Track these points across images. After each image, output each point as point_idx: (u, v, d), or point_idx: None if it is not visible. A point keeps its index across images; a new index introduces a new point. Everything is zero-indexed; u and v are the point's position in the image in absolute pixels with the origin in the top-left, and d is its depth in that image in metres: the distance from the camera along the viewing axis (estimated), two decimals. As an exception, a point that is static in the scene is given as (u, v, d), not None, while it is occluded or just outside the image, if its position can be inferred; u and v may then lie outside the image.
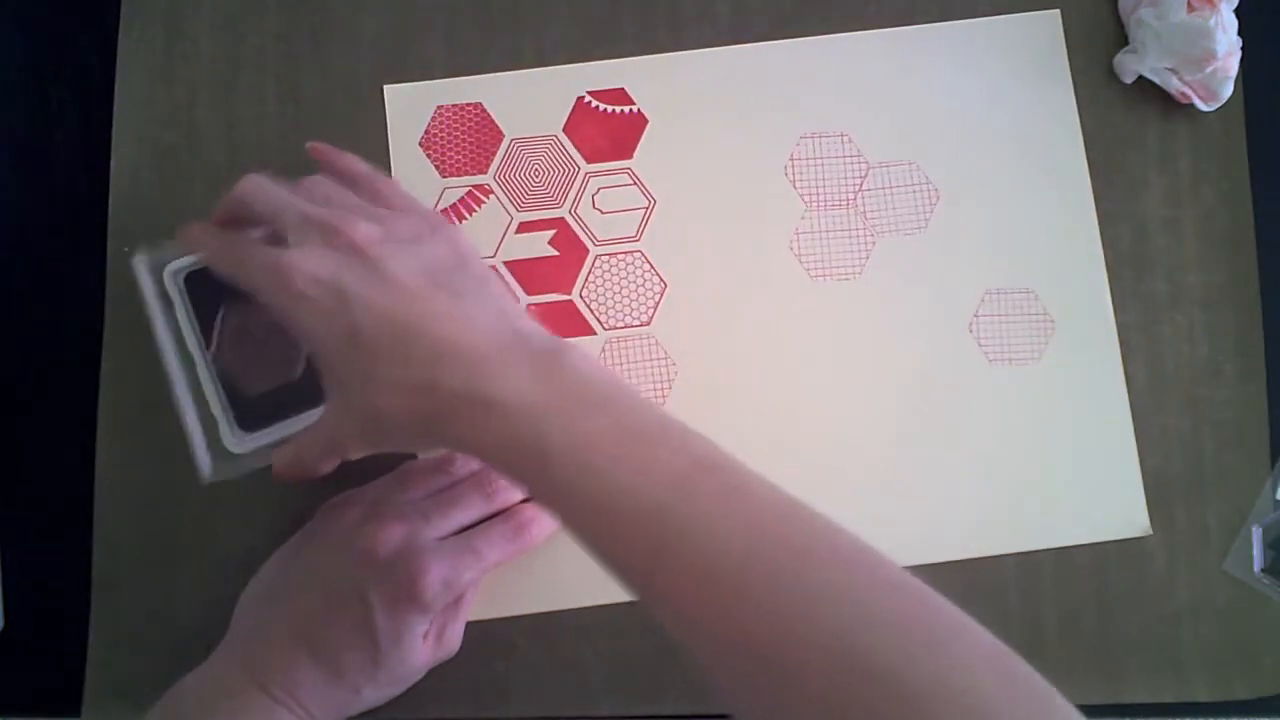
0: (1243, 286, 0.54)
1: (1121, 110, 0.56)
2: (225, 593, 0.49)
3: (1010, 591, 0.52)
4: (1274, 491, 0.52)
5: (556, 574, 0.51)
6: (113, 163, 0.54)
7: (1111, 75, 0.56)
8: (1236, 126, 0.55)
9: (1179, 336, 0.54)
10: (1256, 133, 0.55)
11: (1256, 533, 0.51)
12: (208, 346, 0.51)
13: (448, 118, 0.55)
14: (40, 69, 0.56)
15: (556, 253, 0.54)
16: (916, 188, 0.55)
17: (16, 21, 0.56)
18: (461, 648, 0.50)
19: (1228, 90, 0.54)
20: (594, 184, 0.55)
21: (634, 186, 0.55)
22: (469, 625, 0.50)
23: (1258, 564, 0.50)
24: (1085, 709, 0.51)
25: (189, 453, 0.48)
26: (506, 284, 0.54)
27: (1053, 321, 0.54)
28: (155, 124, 0.55)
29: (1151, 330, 0.54)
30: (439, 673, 0.49)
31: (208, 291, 0.51)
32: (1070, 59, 0.56)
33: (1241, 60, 0.54)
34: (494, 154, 0.55)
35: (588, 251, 0.54)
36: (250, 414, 0.51)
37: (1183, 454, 0.53)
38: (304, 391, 0.51)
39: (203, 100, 0.55)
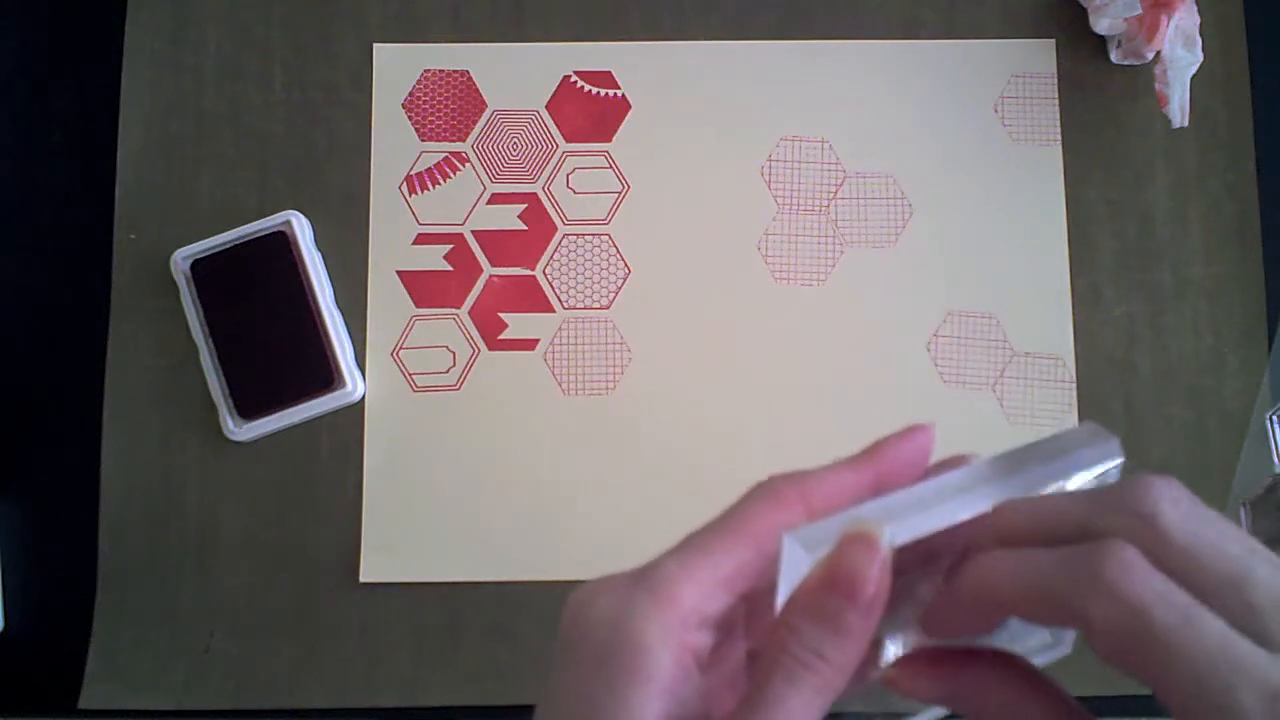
0: (1248, 278, 0.54)
1: (1128, 102, 0.55)
2: (227, 582, 0.51)
3: None
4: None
5: (559, 545, 0.52)
6: (119, 151, 0.55)
7: (1118, 67, 0.55)
8: (1243, 119, 0.55)
9: (1184, 327, 0.54)
10: (1263, 125, 0.55)
11: None
12: (211, 334, 0.52)
13: (433, 82, 0.55)
14: (40, 59, 0.56)
15: (525, 227, 0.54)
16: (891, 202, 0.54)
17: (19, 9, 0.57)
18: (464, 635, 0.51)
19: (1147, 52, 0.53)
20: (570, 163, 0.55)
21: (610, 170, 0.55)
22: (470, 612, 0.51)
23: None
24: (1080, 701, 0.51)
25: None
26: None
27: (1011, 349, 0.53)
28: (162, 112, 0.55)
29: (1157, 321, 0.54)
30: (442, 661, 0.51)
31: (213, 280, 0.52)
32: (1075, 49, 0.55)
33: (1249, 55, 0.55)
34: (475, 123, 0.55)
35: (556, 229, 0.54)
36: (249, 402, 0.51)
37: (1187, 444, 0.53)
38: (302, 381, 0.51)
39: (209, 88, 0.55)
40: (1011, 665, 0.27)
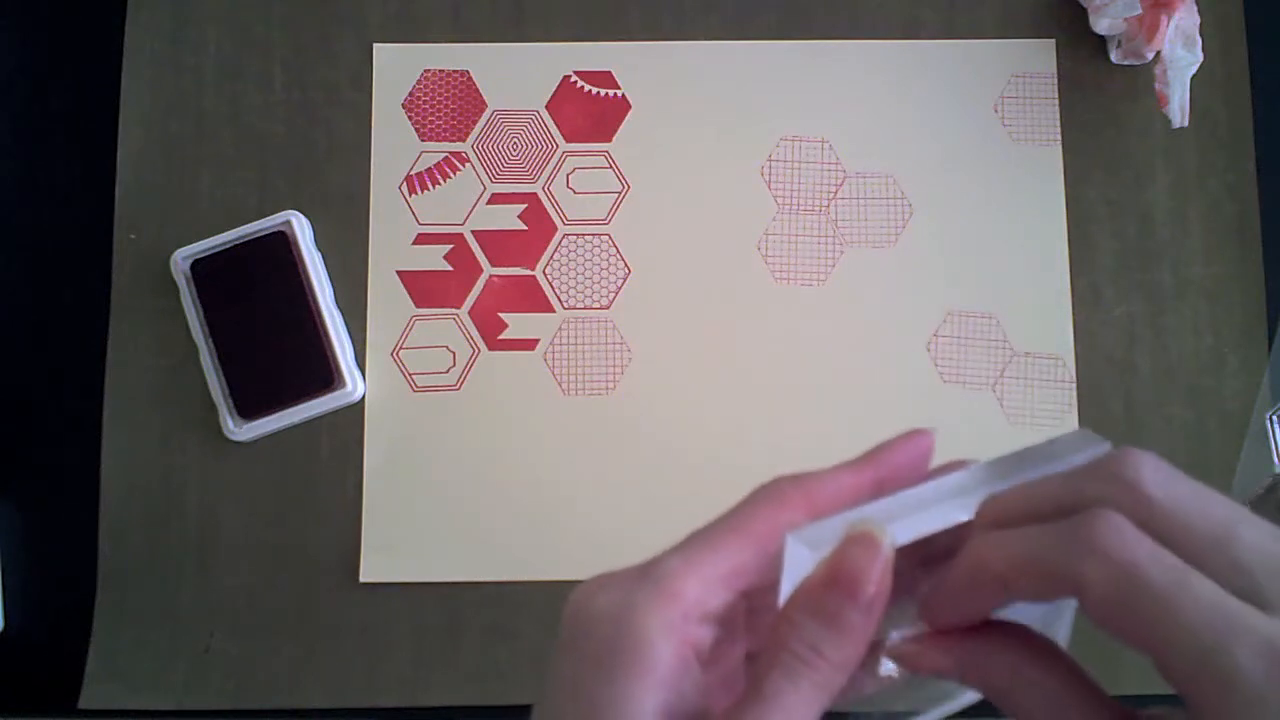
0: (1248, 278, 0.54)
1: (1128, 102, 0.55)
2: (227, 582, 0.52)
3: None
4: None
5: (559, 545, 0.52)
6: (119, 151, 0.55)
7: (1118, 67, 0.55)
8: (1243, 118, 0.55)
9: (1184, 327, 0.54)
10: (1263, 125, 0.55)
11: None
12: (211, 334, 0.52)
13: (433, 82, 0.55)
14: (40, 59, 0.56)
15: (525, 227, 0.54)
16: (891, 202, 0.54)
17: (19, 9, 0.56)
18: (464, 635, 0.51)
19: (1147, 52, 0.53)
20: (570, 163, 0.55)
21: (610, 170, 0.55)
22: (470, 612, 0.51)
23: None
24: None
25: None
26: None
27: (1012, 349, 0.53)
28: (162, 112, 0.55)
29: (1157, 322, 0.54)
30: (442, 661, 0.51)
31: (213, 280, 0.52)
32: (1075, 49, 0.55)
33: (1249, 55, 0.55)
34: (475, 123, 0.55)
35: (556, 229, 0.54)
36: (249, 402, 0.51)
37: (1188, 445, 0.53)
38: (302, 381, 0.51)
39: (209, 88, 0.55)
40: (1020, 633, 0.27)
